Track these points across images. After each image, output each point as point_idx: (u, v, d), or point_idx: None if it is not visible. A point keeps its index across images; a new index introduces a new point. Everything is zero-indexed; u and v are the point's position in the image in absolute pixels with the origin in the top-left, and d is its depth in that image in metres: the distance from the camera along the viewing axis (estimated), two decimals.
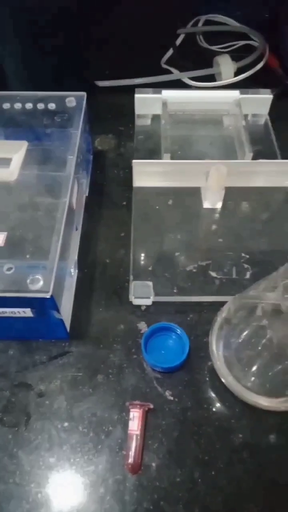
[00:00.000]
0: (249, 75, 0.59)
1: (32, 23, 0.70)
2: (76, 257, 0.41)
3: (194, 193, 0.46)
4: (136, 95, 0.52)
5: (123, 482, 0.31)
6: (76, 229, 0.42)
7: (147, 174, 0.46)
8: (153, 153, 0.50)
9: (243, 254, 0.42)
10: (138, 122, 0.54)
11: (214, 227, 0.45)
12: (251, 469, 0.32)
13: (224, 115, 0.54)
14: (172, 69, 0.62)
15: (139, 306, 0.40)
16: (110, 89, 0.59)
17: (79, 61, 0.64)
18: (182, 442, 0.33)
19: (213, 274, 0.41)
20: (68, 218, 0.36)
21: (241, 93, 0.52)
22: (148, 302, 0.39)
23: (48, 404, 0.34)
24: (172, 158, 0.47)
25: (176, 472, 0.32)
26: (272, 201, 0.47)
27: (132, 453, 0.32)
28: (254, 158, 0.47)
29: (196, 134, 0.53)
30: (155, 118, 0.54)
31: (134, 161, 0.46)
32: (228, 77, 0.58)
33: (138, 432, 0.32)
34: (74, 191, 0.39)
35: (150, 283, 0.39)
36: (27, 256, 0.33)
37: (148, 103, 0.53)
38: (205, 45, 0.67)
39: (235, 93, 0.52)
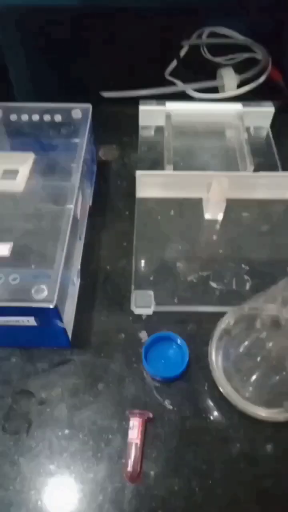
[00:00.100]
0: (252, 88, 0.60)
1: (39, 35, 0.71)
2: (79, 266, 0.42)
3: (196, 204, 0.47)
4: (141, 107, 0.53)
5: (122, 490, 0.32)
6: (80, 239, 0.43)
7: (150, 185, 0.47)
8: (156, 164, 0.51)
9: (243, 266, 0.43)
10: (142, 133, 0.55)
11: (215, 238, 0.46)
12: (248, 478, 0.32)
13: (227, 127, 0.55)
14: (176, 81, 0.63)
15: (140, 315, 0.40)
16: (115, 100, 0.60)
17: (85, 72, 0.65)
18: (180, 451, 0.33)
19: (214, 284, 0.42)
20: (73, 228, 0.37)
21: (244, 106, 0.53)
22: (149, 311, 0.40)
23: (49, 411, 0.35)
24: (174, 169, 0.48)
25: (174, 481, 0.32)
26: (272, 213, 0.47)
27: (131, 461, 0.32)
28: (255, 170, 0.48)
29: (199, 146, 0.54)
30: (159, 129, 0.54)
31: (137, 172, 0.46)
32: (231, 90, 0.59)
33: (137, 441, 0.33)
34: (79, 201, 0.40)
35: (152, 293, 0.40)
36: (32, 266, 0.34)
37: (152, 115, 0.54)
38: (209, 57, 0.68)
39: (237, 106, 0.53)
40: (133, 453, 0.32)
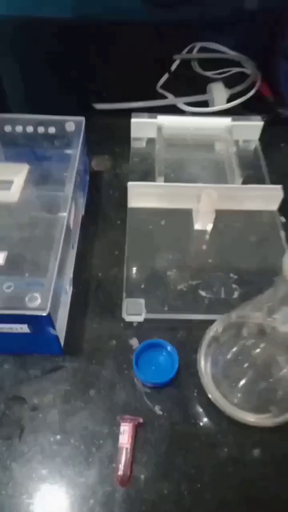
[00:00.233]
0: (242, 102, 0.62)
1: (32, 46, 0.72)
2: (71, 275, 0.43)
3: (186, 215, 0.48)
4: (133, 120, 0.54)
5: (112, 494, 0.32)
6: (73, 247, 0.44)
7: (142, 195, 0.48)
8: (148, 175, 0.52)
9: (231, 275, 0.44)
10: (134, 144, 0.56)
11: (204, 248, 0.47)
12: (236, 483, 0.33)
13: (216, 140, 0.56)
14: (167, 94, 0.64)
15: (131, 323, 0.41)
16: (107, 112, 0.62)
17: (79, 84, 0.67)
18: (170, 456, 0.34)
19: (203, 293, 0.43)
20: (66, 237, 0.38)
21: (233, 120, 0.55)
22: (140, 319, 0.41)
23: (42, 417, 0.35)
24: (165, 180, 0.49)
25: (163, 484, 0.33)
26: (260, 224, 0.49)
27: (121, 465, 0.33)
28: (244, 182, 0.50)
29: (189, 158, 0.55)
30: (150, 141, 0.56)
31: (129, 183, 0.48)
32: (221, 104, 0.61)
33: (128, 446, 0.34)
34: (72, 211, 0.41)
35: (142, 301, 0.41)
36: (26, 274, 0.35)
37: (143, 127, 0.55)
38: (199, 71, 0.70)
39: (227, 120, 0.55)
40: (123, 457, 0.33)
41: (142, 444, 0.34)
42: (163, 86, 0.66)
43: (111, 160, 0.57)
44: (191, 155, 0.55)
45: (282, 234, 0.47)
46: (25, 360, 0.38)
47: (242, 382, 0.36)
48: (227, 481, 0.33)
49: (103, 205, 0.51)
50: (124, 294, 0.42)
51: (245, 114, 0.57)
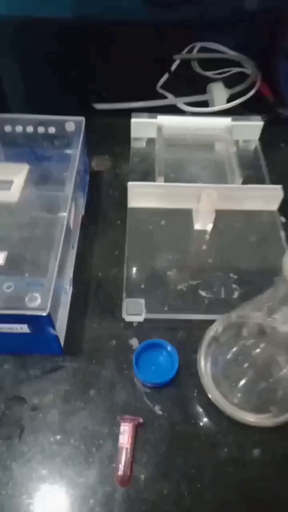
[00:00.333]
0: (242, 102, 0.62)
1: (33, 47, 0.72)
2: (71, 275, 0.43)
3: (186, 215, 0.49)
4: (133, 120, 0.54)
5: (112, 494, 0.32)
6: (73, 247, 0.44)
7: (142, 195, 0.48)
8: (148, 175, 0.52)
9: (231, 275, 0.44)
10: (134, 144, 0.56)
11: (204, 248, 0.47)
12: (236, 482, 0.33)
13: (216, 140, 0.56)
14: (167, 94, 0.64)
15: (131, 323, 0.41)
16: (107, 112, 0.62)
17: (79, 84, 0.67)
18: (170, 456, 0.34)
19: (203, 293, 0.43)
20: (66, 237, 0.38)
21: (233, 120, 0.55)
22: (140, 319, 0.41)
23: (42, 417, 0.35)
24: (165, 180, 0.49)
25: (163, 484, 0.33)
26: (260, 224, 0.49)
27: (121, 465, 0.33)
28: (244, 182, 0.50)
29: (189, 158, 0.55)
30: (150, 141, 0.56)
31: (129, 183, 0.48)
32: (221, 104, 0.61)
33: (128, 446, 0.34)
34: (72, 211, 0.41)
35: (142, 301, 0.41)
36: (26, 274, 0.35)
37: (143, 127, 0.55)
38: (199, 71, 0.70)
39: (227, 120, 0.55)
40: (123, 457, 0.33)
41: (142, 444, 0.34)
42: (163, 86, 0.66)
43: (111, 160, 0.57)
44: (191, 155, 0.55)
45: (282, 234, 0.48)
46: (25, 360, 0.38)
47: (242, 382, 0.36)
48: (227, 481, 0.33)
49: (103, 205, 0.51)
50: (124, 294, 0.42)
51: (245, 114, 0.57)
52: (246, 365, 0.35)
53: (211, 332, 0.38)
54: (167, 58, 0.70)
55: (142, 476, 0.33)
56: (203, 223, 0.47)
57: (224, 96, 0.61)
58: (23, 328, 0.34)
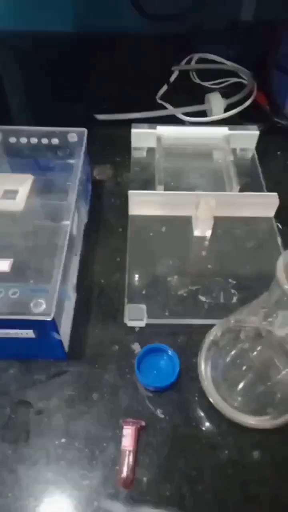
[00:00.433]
0: (239, 111, 0.63)
1: (35, 60, 0.74)
2: (75, 281, 0.44)
3: (186, 222, 0.50)
4: (133, 130, 0.56)
5: (115, 496, 0.33)
6: (76, 254, 0.45)
7: (142, 203, 0.50)
8: (148, 184, 0.53)
9: (230, 280, 0.45)
10: (134, 154, 0.58)
11: (203, 254, 0.48)
12: (236, 484, 0.34)
13: (214, 149, 0.57)
14: (167, 105, 0.66)
15: (133, 328, 0.42)
16: (108, 122, 0.63)
17: (80, 96, 0.68)
18: (171, 458, 0.35)
19: (203, 298, 0.44)
20: (69, 244, 0.39)
21: (230, 129, 0.56)
22: (142, 324, 0.42)
23: (47, 421, 0.36)
24: (165, 189, 0.51)
25: (165, 486, 0.33)
26: (257, 230, 0.50)
27: (124, 468, 0.34)
28: (241, 190, 0.51)
29: (188, 167, 0.56)
30: (150, 150, 0.57)
31: (130, 191, 0.49)
32: (218, 113, 0.63)
33: (130, 448, 0.34)
34: (75, 219, 0.42)
35: (144, 306, 0.42)
36: (31, 281, 0.36)
37: (143, 137, 0.56)
38: (197, 81, 0.72)
39: (224, 129, 0.56)
40: (126, 460, 0.34)
41: (145, 447, 0.35)
42: (162, 97, 0.68)
43: (113, 169, 0.58)
44: (190, 164, 0.57)
45: (279, 239, 0.49)
46: (30, 365, 0.39)
47: (241, 385, 0.37)
48: (228, 483, 0.34)
49: (105, 213, 0.53)
50: (126, 300, 0.43)
51: (242, 123, 0.58)
52: (244, 368, 0.36)
53: (210, 336, 0.39)
54: (166, 70, 0.72)
55: (145, 479, 0.34)
56: (202, 230, 0.49)
57: (221, 106, 0.63)
58: (29, 333, 0.35)
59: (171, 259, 0.47)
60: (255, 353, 0.34)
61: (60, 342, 0.37)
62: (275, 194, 0.49)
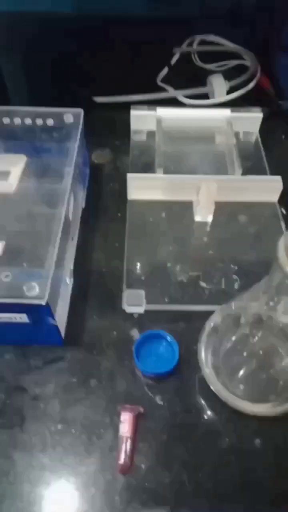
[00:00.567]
0: (241, 94, 0.61)
1: (33, 41, 0.72)
2: (72, 266, 0.43)
3: (186, 207, 0.48)
4: (132, 112, 0.54)
5: (113, 483, 0.32)
6: (72, 239, 0.44)
7: (141, 188, 0.48)
8: (148, 168, 0.52)
9: (232, 266, 0.44)
10: (134, 137, 0.56)
11: (205, 239, 0.47)
12: (237, 472, 0.33)
13: (216, 132, 0.56)
14: (167, 87, 0.64)
15: (131, 314, 0.41)
16: (107, 105, 0.62)
17: (79, 77, 0.67)
18: (171, 445, 0.34)
19: (203, 284, 0.43)
20: (64, 228, 0.38)
21: (233, 111, 0.55)
22: (141, 310, 0.41)
23: (43, 407, 0.36)
24: (165, 172, 0.49)
25: (164, 473, 0.33)
26: (260, 215, 0.49)
27: (122, 454, 0.33)
28: (244, 173, 0.50)
29: (189, 150, 0.55)
30: (150, 133, 0.56)
31: (129, 175, 0.48)
32: (221, 96, 0.61)
33: (128, 435, 0.34)
34: (71, 203, 0.41)
35: (143, 292, 0.41)
36: (24, 265, 0.35)
37: (143, 120, 0.55)
38: (199, 63, 0.70)
39: (226, 112, 0.55)
40: (124, 446, 0.33)
41: (143, 433, 0.34)
42: (163, 80, 0.66)
43: (112, 153, 0.57)
44: (191, 147, 0.55)
45: (283, 225, 0.47)
46: (26, 350, 0.38)
47: (242, 372, 0.36)
48: (228, 471, 0.33)
49: (104, 197, 0.51)
50: (125, 286, 0.42)
51: (245, 106, 0.56)
52: (245, 354, 0.35)
53: (211, 322, 0.38)
54: (167, 52, 0.70)
55: (143, 465, 0.33)
56: (203, 215, 0.47)
57: (224, 88, 0.61)
58: (22, 318, 0.34)
59: (171, 245, 0.46)
60: (255, 338, 0.33)
61: (56, 327, 0.36)
62: (279, 177, 0.48)
